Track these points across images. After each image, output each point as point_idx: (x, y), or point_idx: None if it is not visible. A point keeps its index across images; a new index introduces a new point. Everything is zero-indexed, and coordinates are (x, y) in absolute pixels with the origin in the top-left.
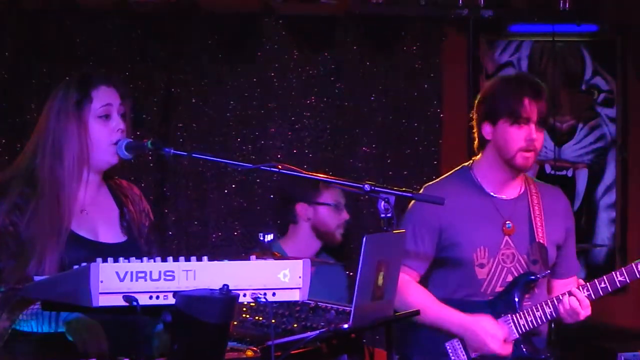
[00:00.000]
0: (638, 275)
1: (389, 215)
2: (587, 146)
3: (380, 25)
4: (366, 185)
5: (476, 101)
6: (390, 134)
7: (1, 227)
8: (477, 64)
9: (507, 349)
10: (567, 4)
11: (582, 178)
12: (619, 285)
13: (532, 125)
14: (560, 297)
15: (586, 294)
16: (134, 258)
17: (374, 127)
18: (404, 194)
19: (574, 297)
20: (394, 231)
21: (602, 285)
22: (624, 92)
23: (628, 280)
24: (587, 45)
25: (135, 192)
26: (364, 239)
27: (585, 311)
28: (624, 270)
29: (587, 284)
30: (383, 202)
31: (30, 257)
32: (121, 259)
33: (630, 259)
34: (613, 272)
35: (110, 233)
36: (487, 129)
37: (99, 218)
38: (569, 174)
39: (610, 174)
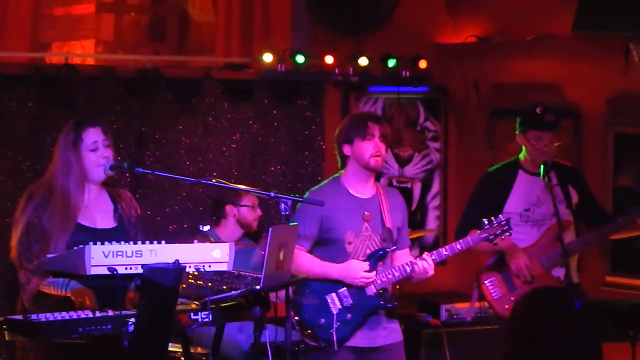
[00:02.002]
0: (472, 244)
1: (287, 213)
2: (421, 167)
3: (283, 86)
4: (272, 193)
5: (335, 135)
6: (290, 159)
7: (30, 220)
8: (347, 112)
9: (373, 276)
10: (408, 73)
11: (417, 189)
12: (457, 251)
13: (376, 138)
14: (412, 262)
15: (433, 258)
16: (114, 242)
17: (279, 154)
18: (297, 199)
19: (425, 261)
20: (290, 224)
21: (446, 252)
22: (445, 131)
23: (465, 248)
24: (421, 101)
25: (127, 195)
26: (270, 229)
27: (431, 271)
28: (461, 241)
29: (434, 252)
30: (283, 204)
31: (50, 241)
32: (106, 242)
33: (449, 242)
34: (454, 243)
35: (105, 221)
36: (346, 149)
37: (98, 211)
38: (409, 186)
39: (436, 186)
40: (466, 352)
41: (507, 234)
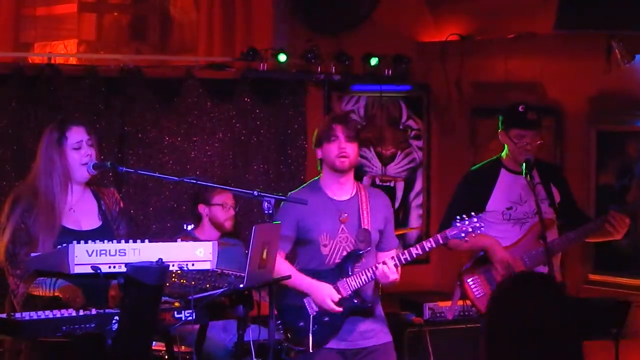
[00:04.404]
0: (427, 249)
1: (270, 212)
2: (403, 166)
3: (265, 85)
4: (255, 192)
5: None
6: (272, 158)
7: (17, 225)
8: (330, 111)
9: (338, 308)
10: (390, 72)
11: (400, 187)
12: (415, 256)
13: (341, 140)
14: (377, 266)
15: (393, 263)
16: (98, 240)
17: (261, 153)
18: (280, 197)
19: (385, 266)
20: (273, 222)
21: (404, 256)
22: (427, 130)
23: (421, 253)
24: (403, 99)
25: (110, 191)
26: (254, 227)
27: (393, 275)
28: (417, 246)
29: (393, 256)
30: (266, 203)
31: (36, 244)
32: (90, 241)
33: None
34: (410, 248)
35: (90, 222)
36: (318, 152)
37: (82, 213)
38: (392, 184)
39: (418, 185)
40: (449, 350)
41: (479, 231)
